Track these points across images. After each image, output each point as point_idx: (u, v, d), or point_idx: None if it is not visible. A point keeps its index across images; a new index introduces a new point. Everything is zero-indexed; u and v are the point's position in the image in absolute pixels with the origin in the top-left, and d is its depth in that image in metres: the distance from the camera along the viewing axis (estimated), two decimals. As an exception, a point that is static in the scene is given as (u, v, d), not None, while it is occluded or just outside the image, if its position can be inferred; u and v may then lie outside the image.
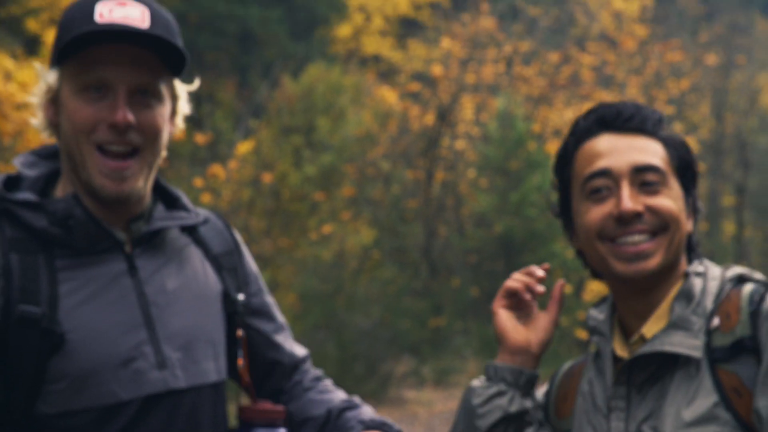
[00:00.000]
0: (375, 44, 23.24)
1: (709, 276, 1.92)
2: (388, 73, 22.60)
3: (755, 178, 22.88)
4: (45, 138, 2.11)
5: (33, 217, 1.96)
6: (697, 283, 1.90)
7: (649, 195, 1.90)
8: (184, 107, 2.13)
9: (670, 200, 1.91)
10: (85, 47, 1.95)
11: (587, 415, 1.97)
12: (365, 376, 14.25)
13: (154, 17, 2.00)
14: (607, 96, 23.93)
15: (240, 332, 2.19)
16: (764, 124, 25.38)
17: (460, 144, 22.08)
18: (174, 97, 2.09)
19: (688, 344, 1.84)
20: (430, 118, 21.39)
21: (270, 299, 2.35)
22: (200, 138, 16.86)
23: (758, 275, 1.94)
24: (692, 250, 1.99)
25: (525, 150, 20.69)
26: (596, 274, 2.02)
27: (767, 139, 24.73)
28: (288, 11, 23.58)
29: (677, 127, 21.78)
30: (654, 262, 1.89)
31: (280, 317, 2.36)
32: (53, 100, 2.02)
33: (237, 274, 2.23)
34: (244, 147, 17.01)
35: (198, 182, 15.52)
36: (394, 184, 19.68)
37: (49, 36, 14.99)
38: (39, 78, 2.05)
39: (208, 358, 2.10)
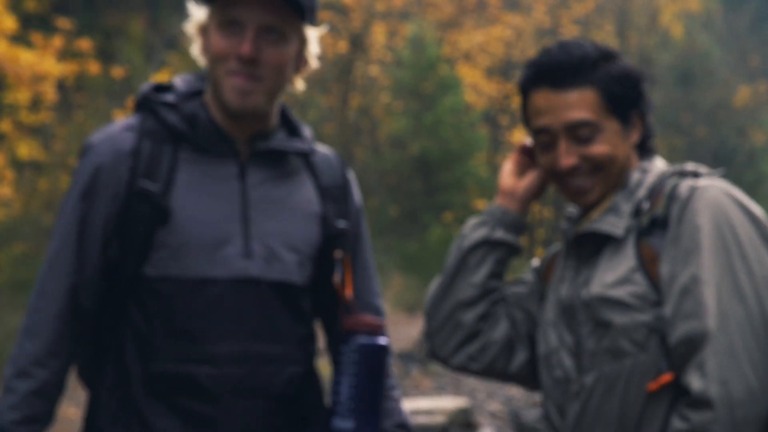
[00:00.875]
0: (284, -25, 23.28)
1: (650, 171, 2.29)
2: (298, 3, 22.65)
3: (658, 93, 23.67)
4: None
5: (169, 114, 2.33)
6: (635, 177, 2.27)
7: (584, 145, 2.25)
8: (314, 48, 2.43)
9: (603, 144, 2.23)
10: None
11: (553, 283, 2.39)
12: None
13: None
14: (513, 19, 24.40)
15: (339, 253, 2.46)
16: (665, 41, 26.17)
17: (374, 69, 22.37)
18: (302, 40, 2.40)
19: (613, 223, 2.24)
20: (343, 46, 21.63)
21: (363, 240, 2.60)
22: (115, 71, 16.90)
23: (701, 169, 2.30)
24: (644, 149, 2.33)
25: (437, 73, 21.07)
26: None
27: (668, 56, 25.52)
28: (196, -56, 23.37)
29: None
30: (592, 196, 2.27)
31: (368, 259, 2.59)
32: (204, 32, 2.35)
33: (340, 205, 2.49)
34: (159, 78, 17.02)
35: (118, 114, 15.60)
36: (310, 109, 19.93)
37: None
38: (192, 12, 2.42)
39: (292, 262, 2.37)
